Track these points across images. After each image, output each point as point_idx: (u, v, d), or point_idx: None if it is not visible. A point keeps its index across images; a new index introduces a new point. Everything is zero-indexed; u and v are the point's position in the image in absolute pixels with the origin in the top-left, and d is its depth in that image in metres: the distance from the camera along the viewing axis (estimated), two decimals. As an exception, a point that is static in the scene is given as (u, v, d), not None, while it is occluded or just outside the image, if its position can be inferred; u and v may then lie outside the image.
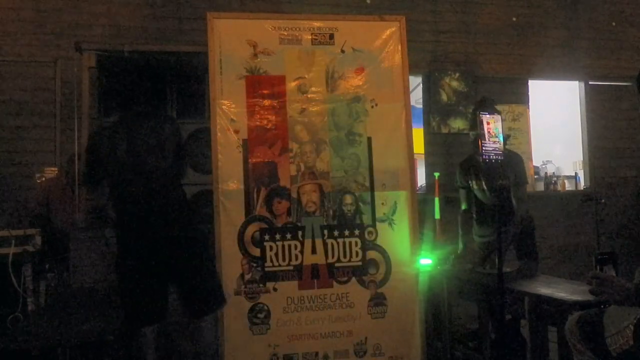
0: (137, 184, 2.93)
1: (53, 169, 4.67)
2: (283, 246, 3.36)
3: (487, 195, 3.59)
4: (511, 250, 3.60)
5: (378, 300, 3.47)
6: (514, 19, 5.89)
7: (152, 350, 2.89)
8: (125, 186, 2.96)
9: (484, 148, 2.75)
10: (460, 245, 3.79)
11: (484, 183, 3.60)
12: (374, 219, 3.52)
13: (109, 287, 3.68)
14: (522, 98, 5.80)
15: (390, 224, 3.54)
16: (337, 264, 3.42)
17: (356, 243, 3.48)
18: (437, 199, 4.22)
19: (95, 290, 3.61)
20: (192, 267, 2.96)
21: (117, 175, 2.99)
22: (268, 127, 3.47)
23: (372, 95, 3.59)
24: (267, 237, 3.36)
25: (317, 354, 3.36)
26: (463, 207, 3.83)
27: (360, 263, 3.47)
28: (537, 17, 5.97)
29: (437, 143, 5.53)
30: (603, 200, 5.62)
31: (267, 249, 3.36)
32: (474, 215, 3.78)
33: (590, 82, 6.06)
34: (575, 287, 2.85)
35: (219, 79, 3.45)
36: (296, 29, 3.58)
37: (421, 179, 5.69)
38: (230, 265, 3.35)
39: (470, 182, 3.71)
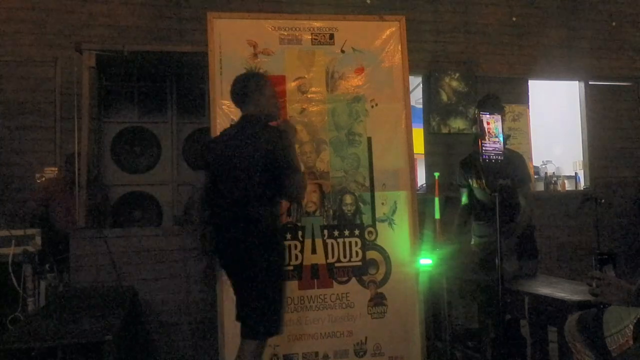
0: (223, 196, 2.72)
1: (53, 169, 4.67)
2: (283, 246, 3.36)
3: (488, 195, 3.59)
4: (511, 250, 3.59)
5: (378, 300, 3.47)
6: (514, 19, 5.89)
7: None
8: (214, 196, 2.78)
9: (484, 148, 2.74)
10: (455, 232, 3.77)
11: (484, 182, 3.59)
12: (374, 219, 3.53)
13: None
14: (522, 98, 5.79)
15: (390, 224, 3.55)
16: (337, 264, 3.42)
17: (356, 243, 3.48)
18: (437, 199, 4.21)
19: (95, 290, 3.60)
20: (253, 287, 2.66)
21: (209, 183, 2.80)
22: (268, 127, 3.46)
23: (372, 95, 3.59)
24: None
25: (317, 354, 3.36)
26: (463, 201, 3.82)
27: (360, 263, 3.47)
28: (537, 17, 5.97)
29: (437, 143, 5.53)
30: (603, 200, 5.61)
31: (267, 249, 3.36)
32: (474, 216, 3.77)
33: (590, 82, 6.06)
34: (575, 287, 2.86)
35: (219, 79, 3.45)
36: (296, 29, 3.58)
37: (421, 179, 5.69)
38: (230, 265, 3.35)
39: (470, 180, 3.70)
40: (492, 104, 3.51)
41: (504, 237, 3.18)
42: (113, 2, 5.00)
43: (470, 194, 3.77)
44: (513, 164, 3.39)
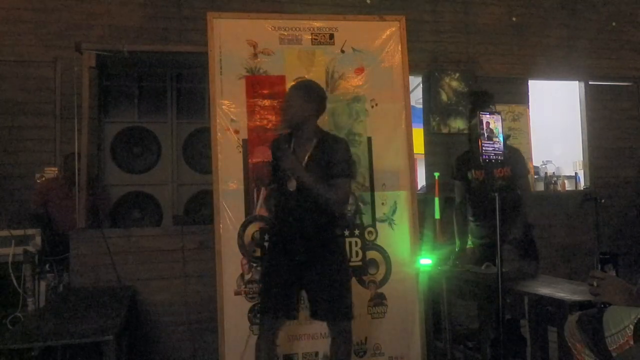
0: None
1: (53, 169, 4.66)
2: (283, 246, 3.35)
3: (487, 187, 3.54)
4: (512, 250, 3.59)
5: (378, 300, 3.47)
6: (514, 19, 5.88)
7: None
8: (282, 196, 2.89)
9: (484, 148, 2.74)
10: (457, 242, 3.77)
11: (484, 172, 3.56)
12: (374, 219, 3.53)
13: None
14: (522, 98, 5.79)
15: (390, 224, 3.55)
16: (337, 264, 3.41)
17: (356, 243, 3.48)
18: (437, 199, 4.21)
19: (95, 290, 3.60)
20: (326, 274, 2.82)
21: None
22: (268, 127, 3.46)
23: (372, 95, 3.59)
24: (267, 237, 3.36)
25: (317, 354, 3.36)
26: (458, 200, 3.82)
27: (360, 263, 3.47)
28: (537, 17, 5.97)
29: (437, 143, 5.52)
30: (603, 200, 5.61)
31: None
32: (471, 218, 3.76)
33: (590, 82, 6.05)
34: (575, 287, 2.86)
35: (219, 79, 3.46)
36: (296, 29, 3.58)
37: (421, 179, 5.69)
38: (230, 265, 3.35)
39: (469, 172, 3.68)
40: (484, 101, 3.53)
41: (504, 238, 3.18)
42: (113, 2, 4.99)
43: (465, 190, 3.75)
44: (511, 159, 3.41)
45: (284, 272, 2.80)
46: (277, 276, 2.81)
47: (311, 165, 2.77)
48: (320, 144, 2.82)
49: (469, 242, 3.75)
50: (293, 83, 3.09)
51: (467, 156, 3.72)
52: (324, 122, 3.50)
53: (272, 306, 2.82)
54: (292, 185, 2.76)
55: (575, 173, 6.37)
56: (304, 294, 2.93)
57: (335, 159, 2.77)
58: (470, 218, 3.73)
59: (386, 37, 3.66)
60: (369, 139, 3.57)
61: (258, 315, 2.99)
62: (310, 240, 2.77)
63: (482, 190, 3.56)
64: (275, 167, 2.90)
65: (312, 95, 2.82)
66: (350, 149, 2.90)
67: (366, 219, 3.51)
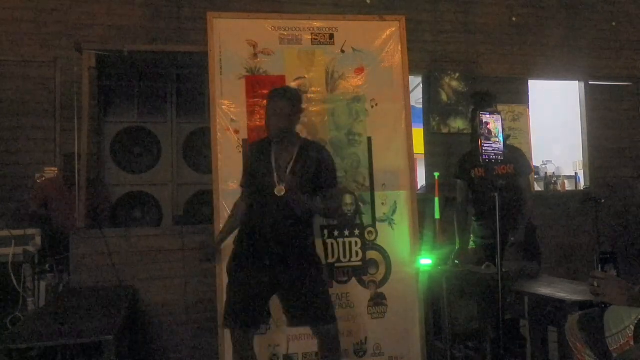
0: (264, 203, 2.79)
1: (53, 169, 4.66)
2: (283, 246, 3.35)
3: (489, 184, 3.54)
4: (514, 251, 3.58)
5: (378, 300, 3.47)
6: (514, 19, 5.89)
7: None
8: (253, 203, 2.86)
9: (484, 148, 2.74)
10: (457, 242, 3.77)
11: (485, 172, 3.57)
12: (374, 219, 3.53)
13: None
14: (522, 98, 5.79)
15: (390, 224, 3.54)
16: (337, 264, 3.42)
17: (356, 243, 3.48)
18: (437, 199, 4.20)
19: (95, 290, 3.60)
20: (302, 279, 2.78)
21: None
22: (268, 127, 3.46)
23: (372, 95, 3.59)
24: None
25: (317, 354, 3.34)
26: (460, 199, 3.82)
27: (360, 263, 3.47)
28: (537, 17, 5.97)
29: (437, 143, 5.52)
30: (603, 200, 5.61)
31: (267, 249, 3.35)
32: (474, 217, 3.76)
33: (590, 82, 6.05)
34: (575, 287, 2.86)
35: (219, 79, 3.45)
36: (296, 29, 3.58)
37: (421, 179, 5.69)
38: (230, 265, 3.34)
39: (472, 171, 3.68)
40: (486, 101, 3.55)
41: (508, 242, 3.18)
42: (113, 2, 5.00)
43: (467, 188, 3.75)
44: (514, 156, 3.43)
45: (257, 280, 2.75)
46: (249, 285, 2.76)
47: (296, 174, 2.75)
48: (303, 153, 2.80)
49: (472, 243, 3.75)
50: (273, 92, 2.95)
51: (470, 156, 3.73)
52: (324, 122, 3.51)
53: (242, 318, 2.77)
54: (279, 191, 2.71)
55: (575, 173, 6.37)
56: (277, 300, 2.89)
57: (322, 169, 2.78)
58: (473, 218, 3.73)
59: (386, 37, 3.66)
60: (369, 139, 3.57)
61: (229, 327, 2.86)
62: (286, 245, 2.74)
63: (485, 188, 3.56)
64: (252, 173, 2.86)
65: (295, 103, 2.82)
66: (332, 156, 2.90)
67: (366, 219, 3.51)
